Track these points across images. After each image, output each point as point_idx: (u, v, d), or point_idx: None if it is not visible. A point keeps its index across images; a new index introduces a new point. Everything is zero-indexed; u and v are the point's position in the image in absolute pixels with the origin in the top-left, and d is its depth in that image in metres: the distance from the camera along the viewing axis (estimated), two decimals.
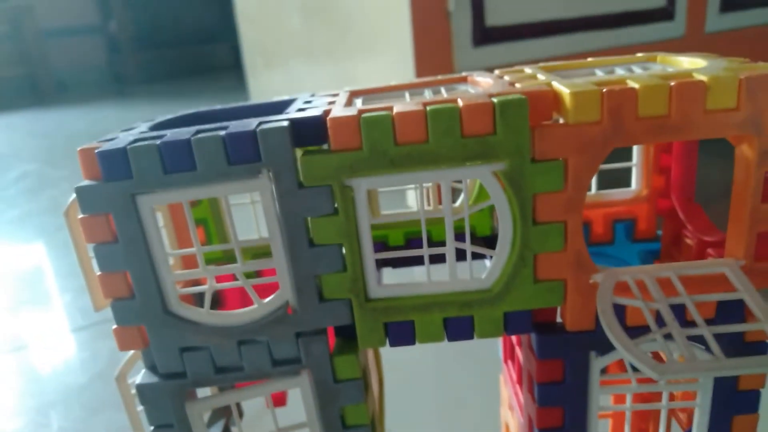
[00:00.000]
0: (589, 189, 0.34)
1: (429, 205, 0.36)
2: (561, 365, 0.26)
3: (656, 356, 0.31)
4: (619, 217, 0.33)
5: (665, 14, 1.11)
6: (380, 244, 0.34)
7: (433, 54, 0.91)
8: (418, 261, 0.33)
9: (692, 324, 0.23)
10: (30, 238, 1.12)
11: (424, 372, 0.66)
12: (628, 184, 0.34)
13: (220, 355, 0.26)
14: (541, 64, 0.29)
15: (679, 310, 0.25)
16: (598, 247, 0.34)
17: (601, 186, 0.34)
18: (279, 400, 0.40)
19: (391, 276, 0.34)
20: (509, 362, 0.34)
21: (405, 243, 0.34)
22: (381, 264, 0.34)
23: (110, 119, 2.26)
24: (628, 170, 0.34)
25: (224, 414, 0.35)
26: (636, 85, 0.22)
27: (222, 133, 0.23)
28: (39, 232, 1.14)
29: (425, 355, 0.69)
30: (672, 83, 0.22)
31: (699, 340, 0.25)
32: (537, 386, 0.27)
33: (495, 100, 0.22)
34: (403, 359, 0.70)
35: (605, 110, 0.22)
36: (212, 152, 0.23)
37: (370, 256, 0.25)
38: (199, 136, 0.23)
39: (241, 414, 0.38)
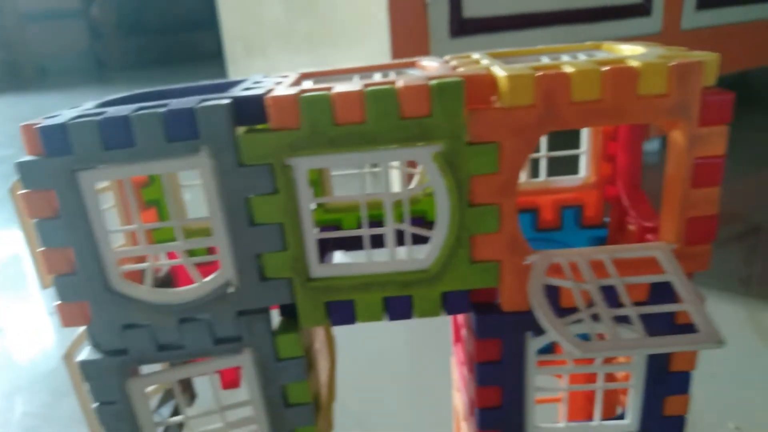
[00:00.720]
0: (538, 176, 0.35)
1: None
2: (499, 345, 0.27)
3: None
4: (567, 203, 0.34)
5: (642, 10, 1.12)
6: (335, 228, 0.35)
7: (410, 44, 0.92)
8: (376, 244, 0.33)
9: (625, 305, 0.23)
10: (6, 223, 1.11)
11: (382, 355, 0.68)
12: (576, 171, 0.34)
13: (162, 332, 0.26)
14: (490, 51, 0.30)
15: (613, 292, 0.25)
16: (548, 233, 0.34)
17: (551, 173, 0.35)
18: (233, 383, 0.40)
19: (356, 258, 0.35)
20: (458, 345, 0.35)
21: (358, 227, 0.34)
22: (334, 246, 0.34)
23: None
24: (577, 157, 0.34)
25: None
26: (570, 70, 0.23)
27: (161, 110, 0.23)
28: (16, 218, 1.13)
29: (385, 338, 0.71)
30: (604, 68, 0.23)
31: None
32: (476, 366, 0.27)
33: (432, 82, 0.23)
34: (363, 343, 0.72)
35: (539, 94, 0.23)
36: (151, 129, 0.23)
37: (310, 235, 0.25)
38: (139, 112, 0.23)
39: (193, 395, 0.38)
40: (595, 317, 0.23)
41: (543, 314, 0.22)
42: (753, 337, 0.68)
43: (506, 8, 0.98)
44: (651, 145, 1.34)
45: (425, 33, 0.92)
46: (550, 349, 0.36)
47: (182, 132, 0.23)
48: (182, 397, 0.29)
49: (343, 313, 0.26)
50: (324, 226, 0.34)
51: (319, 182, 0.34)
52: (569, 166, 0.35)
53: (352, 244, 0.34)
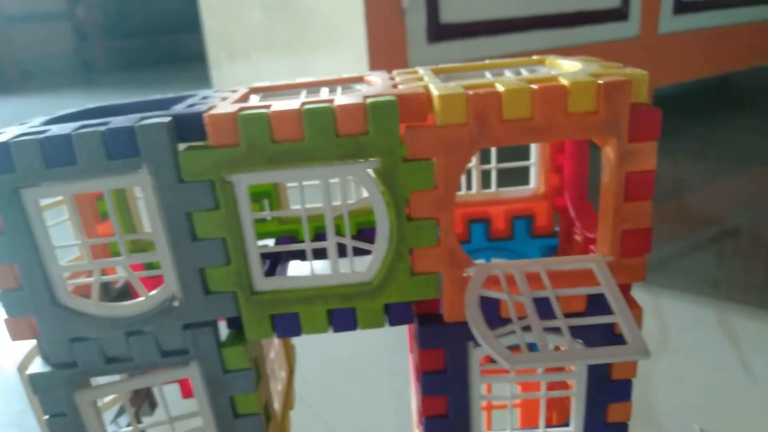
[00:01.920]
0: (490, 187, 0.35)
1: None
2: (442, 355, 0.27)
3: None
4: (518, 213, 0.35)
5: (619, 15, 1.13)
6: (290, 239, 0.35)
7: (387, 50, 0.92)
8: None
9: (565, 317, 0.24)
10: None
11: (349, 358, 0.69)
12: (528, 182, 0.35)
13: (110, 345, 0.26)
14: (435, 66, 0.30)
15: (549, 304, 0.26)
16: (500, 243, 0.35)
17: (502, 184, 0.35)
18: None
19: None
20: (411, 354, 0.35)
21: (314, 238, 0.35)
22: (290, 257, 0.35)
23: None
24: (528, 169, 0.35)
25: (135, 404, 0.36)
26: (501, 89, 0.23)
27: (102, 128, 0.24)
28: None
29: (347, 348, 0.72)
30: (534, 87, 0.23)
31: (580, 334, 0.26)
32: (421, 375, 0.28)
33: (367, 101, 0.23)
34: (330, 347, 0.72)
35: (471, 113, 0.23)
36: (92, 147, 0.24)
37: (253, 249, 0.25)
38: (79, 131, 0.24)
39: (153, 405, 0.38)
40: (528, 329, 0.24)
41: (475, 326, 0.23)
42: (721, 339, 0.69)
43: (484, 13, 0.99)
44: None
45: (402, 39, 0.93)
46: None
47: (123, 150, 0.24)
48: (131, 409, 0.30)
49: (288, 325, 0.27)
50: (280, 237, 0.35)
51: (273, 193, 0.35)
52: (522, 177, 0.36)
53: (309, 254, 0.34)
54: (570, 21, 1.08)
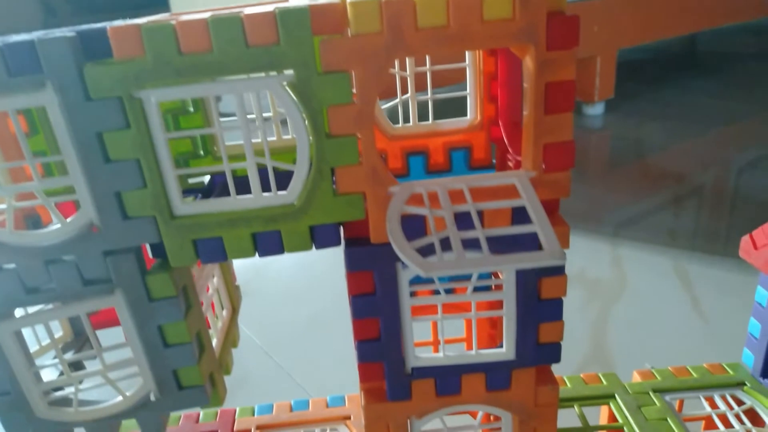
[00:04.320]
0: (427, 119, 0.35)
1: None
2: (371, 277, 0.27)
3: None
4: (455, 145, 0.34)
5: None
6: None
7: None
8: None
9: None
10: None
11: (311, 322, 0.69)
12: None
13: (29, 275, 0.26)
14: None
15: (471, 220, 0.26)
16: (439, 175, 0.35)
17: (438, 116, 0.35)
18: None
19: None
20: None
21: None
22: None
23: None
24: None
25: (78, 344, 0.35)
26: None
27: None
28: None
29: (314, 307, 0.72)
30: None
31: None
32: (351, 299, 0.28)
33: (277, 10, 0.23)
34: (292, 311, 0.73)
35: (385, 21, 0.23)
36: None
37: (170, 172, 0.25)
38: None
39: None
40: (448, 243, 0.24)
41: (393, 238, 0.23)
42: (676, 285, 0.70)
43: None
44: (594, 110, 1.36)
45: None
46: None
47: (24, 66, 0.23)
48: (56, 342, 0.29)
49: (211, 250, 0.26)
50: (215, 174, 0.34)
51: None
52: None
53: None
54: None
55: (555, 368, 0.31)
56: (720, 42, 2.03)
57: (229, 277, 0.36)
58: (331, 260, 0.59)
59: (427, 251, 0.24)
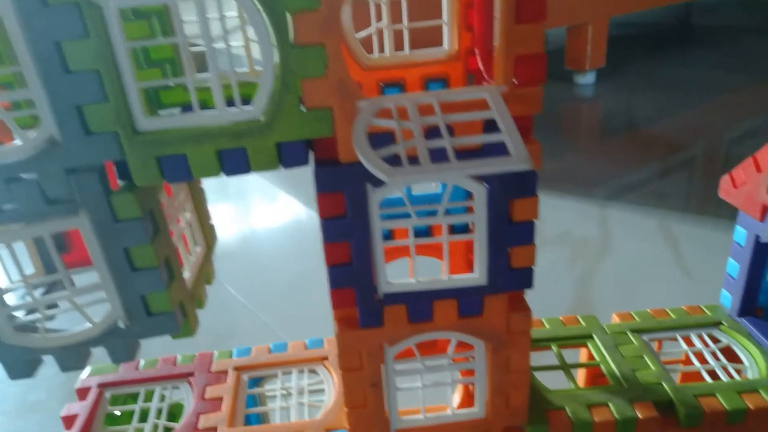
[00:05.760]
0: (403, 49, 0.34)
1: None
2: (341, 199, 0.27)
3: None
4: (432, 76, 0.34)
5: None
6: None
7: None
8: None
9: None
10: None
11: (295, 280, 0.69)
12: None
13: None
14: None
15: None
16: None
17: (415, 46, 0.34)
18: None
19: None
20: None
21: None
22: None
23: None
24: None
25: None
26: None
27: None
28: None
29: (297, 265, 0.72)
30: None
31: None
32: (321, 222, 0.27)
33: None
34: (276, 268, 0.72)
35: None
36: None
37: (132, 85, 0.24)
38: None
39: None
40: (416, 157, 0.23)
41: (357, 145, 0.22)
42: (661, 243, 0.70)
43: None
44: (585, 79, 1.35)
45: None
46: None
47: None
48: (20, 266, 0.29)
49: (176, 168, 0.26)
50: (185, 105, 0.34)
51: (176, 59, 0.33)
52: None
53: None
54: None
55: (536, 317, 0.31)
56: (714, 16, 2.02)
57: (203, 215, 0.36)
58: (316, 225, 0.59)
59: (394, 163, 0.23)
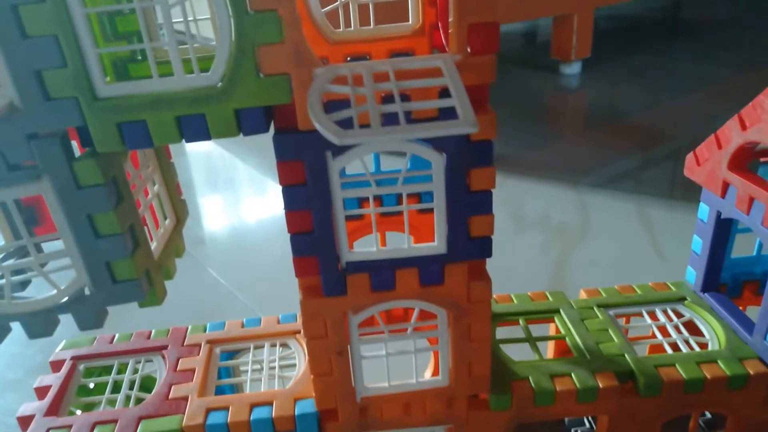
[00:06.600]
0: (369, 24, 0.35)
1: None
2: (301, 167, 0.27)
3: None
4: (397, 50, 0.34)
5: None
6: None
7: None
8: None
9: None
10: None
11: (276, 263, 0.69)
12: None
13: None
14: None
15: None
16: None
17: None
18: None
19: None
20: None
21: None
22: None
23: None
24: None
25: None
26: None
27: None
28: None
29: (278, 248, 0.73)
30: None
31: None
32: (282, 190, 0.28)
33: None
34: (257, 252, 0.72)
35: None
36: None
37: (90, 49, 0.25)
38: None
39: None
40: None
41: (311, 109, 0.23)
42: (638, 227, 0.71)
43: None
44: (570, 69, 1.35)
45: None
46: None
47: None
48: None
49: (137, 135, 0.26)
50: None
51: None
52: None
53: None
54: None
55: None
56: (703, 10, 2.03)
57: (173, 189, 0.36)
58: None
59: (347, 127, 0.24)
